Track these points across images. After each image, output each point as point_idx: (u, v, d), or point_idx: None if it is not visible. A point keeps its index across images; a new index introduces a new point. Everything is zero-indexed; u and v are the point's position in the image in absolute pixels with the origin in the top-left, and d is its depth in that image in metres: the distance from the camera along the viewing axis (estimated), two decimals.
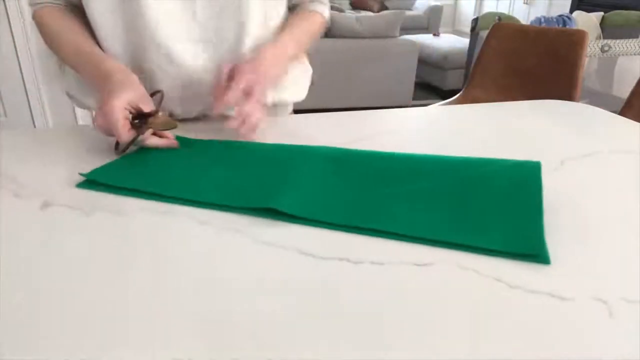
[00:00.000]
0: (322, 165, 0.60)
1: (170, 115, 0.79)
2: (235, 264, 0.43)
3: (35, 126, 2.51)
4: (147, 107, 0.64)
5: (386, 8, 5.57)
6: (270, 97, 0.83)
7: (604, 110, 0.89)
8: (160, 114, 0.64)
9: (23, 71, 2.44)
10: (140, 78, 0.67)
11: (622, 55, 2.76)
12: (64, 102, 0.83)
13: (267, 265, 0.43)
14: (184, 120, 0.81)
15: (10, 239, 0.46)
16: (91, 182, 0.56)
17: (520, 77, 2.02)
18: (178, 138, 0.67)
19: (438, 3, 6.07)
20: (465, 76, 3.41)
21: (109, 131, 0.62)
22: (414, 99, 3.61)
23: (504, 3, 5.99)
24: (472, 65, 2.20)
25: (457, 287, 0.40)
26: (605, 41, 2.70)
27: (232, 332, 0.35)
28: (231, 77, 0.68)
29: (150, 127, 0.63)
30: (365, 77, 3.39)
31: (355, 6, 5.89)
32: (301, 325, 0.35)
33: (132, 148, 0.64)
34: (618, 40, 2.71)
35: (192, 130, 0.73)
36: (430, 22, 5.93)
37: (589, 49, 2.56)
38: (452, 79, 3.82)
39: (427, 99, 3.85)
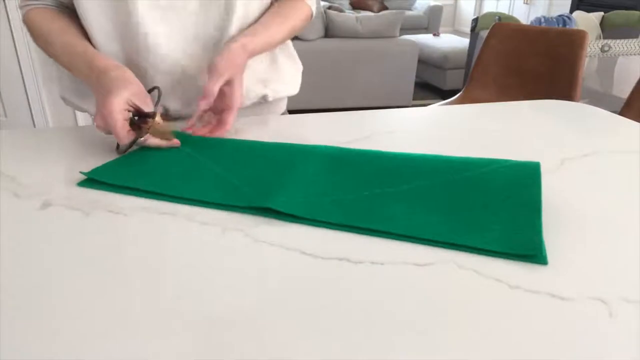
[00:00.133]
0: (322, 164, 0.61)
1: (167, 111, 0.80)
2: (236, 264, 0.43)
3: (35, 126, 2.51)
4: (146, 105, 0.63)
5: (386, 8, 5.58)
6: (261, 92, 0.84)
7: (604, 110, 0.89)
8: (157, 117, 0.63)
9: (23, 71, 2.44)
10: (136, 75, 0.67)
11: (622, 55, 2.76)
12: (63, 102, 0.83)
13: (267, 265, 0.43)
14: (179, 118, 0.81)
15: (10, 239, 0.46)
16: (92, 180, 0.56)
17: (520, 77, 2.02)
18: (176, 133, 0.67)
19: (438, 3, 6.07)
20: (465, 76, 3.41)
21: (108, 131, 0.62)
22: (414, 99, 3.62)
23: (504, 3, 5.99)
24: (472, 65, 2.20)
25: (457, 287, 0.40)
26: (605, 41, 2.70)
27: (232, 332, 0.35)
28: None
29: (148, 132, 0.63)
30: (365, 77, 3.39)
31: (355, 6, 5.89)
32: (301, 325, 0.35)
33: (134, 147, 0.64)
34: (618, 40, 2.71)
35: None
36: (430, 22, 5.93)
37: (589, 49, 2.56)
38: (452, 79, 3.82)
39: (427, 99, 3.85)
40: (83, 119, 2.52)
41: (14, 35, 2.35)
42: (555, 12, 3.69)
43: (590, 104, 0.94)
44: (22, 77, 2.45)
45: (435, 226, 0.47)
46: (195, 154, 0.64)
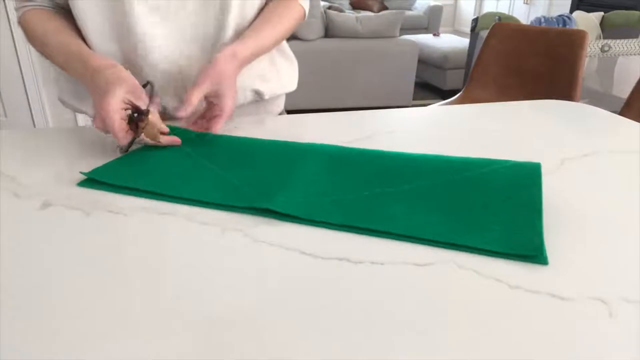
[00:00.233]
0: (322, 164, 0.60)
1: (165, 110, 0.80)
2: (235, 264, 0.42)
3: (35, 126, 2.51)
4: (141, 100, 0.64)
5: (386, 8, 5.58)
6: (258, 89, 0.84)
7: (604, 110, 0.89)
8: (151, 115, 0.63)
9: (23, 71, 2.44)
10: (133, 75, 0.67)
11: (622, 55, 2.76)
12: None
13: (267, 265, 0.43)
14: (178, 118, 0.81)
15: (10, 239, 0.46)
16: (92, 180, 0.56)
17: (520, 77, 2.02)
18: (175, 129, 0.67)
19: (438, 3, 6.07)
20: (465, 76, 3.41)
21: (108, 131, 0.62)
22: (414, 99, 3.62)
23: (504, 3, 5.99)
24: (472, 65, 2.20)
25: (457, 287, 0.40)
26: (605, 41, 2.70)
27: (232, 332, 0.35)
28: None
29: (143, 133, 0.63)
30: (365, 77, 3.40)
31: (355, 6, 5.89)
32: (301, 325, 0.35)
33: (137, 146, 0.65)
34: (618, 40, 2.71)
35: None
36: (430, 22, 5.93)
37: (589, 49, 2.55)
38: (452, 79, 3.82)
39: (427, 99, 3.85)
40: (83, 119, 2.52)
41: (14, 35, 2.35)
42: (555, 12, 3.69)
43: (590, 104, 0.94)
44: (22, 77, 2.45)
45: (436, 226, 0.47)
46: (195, 154, 0.64)
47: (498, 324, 0.36)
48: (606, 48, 2.69)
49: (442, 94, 3.82)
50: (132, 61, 0.75)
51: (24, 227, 0.48)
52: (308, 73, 3.13)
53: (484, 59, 2.11)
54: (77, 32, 0.74)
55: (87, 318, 0.36)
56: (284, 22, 0.80)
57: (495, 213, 0.50)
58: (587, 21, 3.12)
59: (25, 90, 2.47)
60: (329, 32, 3.35)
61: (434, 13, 5.94)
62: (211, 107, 0.71)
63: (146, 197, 0.54)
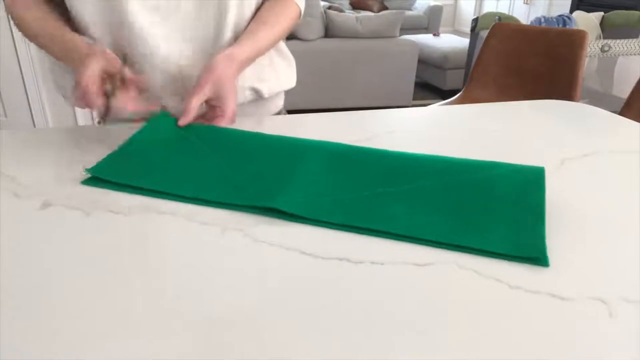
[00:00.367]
0: (323, 162, 0.60)
1: (164, 109, 0.80)
2: (235, 264, 0.43)
3: (35, 126, 2.51)
4: (117, 70, 0.66)
5: (386, 8, 5.57)
6: (256, 87, 0.84)
7: (604, 110, 0.89)
8: (124, 79, 0.66)
9: (23, 71, 2.44)
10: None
11: (622, 55, 2.76)
12: (63, 102, 0.84)
13: (267, 265, 0.43)
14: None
15: (10, 239, 0.46)
16: (95, 178, 0.56)
17: (520, 77, 2.02)
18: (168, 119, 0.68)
19: (438, 3, 6.06)
20: (465, 76, 3.41)
21: (83, 104, 0.64)
22: (414, 99, 3.61)
23: (504, 3, 5.99)
24: (472, 65, 2.20)
25: (457, 287, 0.40)
26: (605, 41, 2.70)
27: (232, 332, 0.35)
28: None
29: (115, 88, 0.65)
30: (365, 77, 3.39)
31: (355, 6, 5.89)
32: (301, 325, 0.35)
33: (129, 132, 0.65)
34: (618, 40, 2.70)
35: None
36: (430, 22, 5.93)
37: (589, 49, 2.55)
38: (452, 79, 3.82)
39: (427, 99, 3.85)
40: (83, 118, 2.52)
41: (14, 35, 2.35)
42: (555, 12, 3.69)
43: (590, 104, 0.94)
44: (22, 77, 2.45)
45: (436, 227, 0.47)
46: (200, 143, 0.64)
47: (498, 324, 0.36)
48: (606, 48, 2.69)
49: (442, 94, 3.82)
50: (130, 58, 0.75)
51: (24, 227, 0.48)
52: (308, 73, 3.14)
53: (484, 59, 2.11)
54: (66, 20, 0.74)
55: (87, 318, 0.36)
56: (281, 22, 0.80)
57: (497, 215, 0.49)
58: (587, 21, 3.12)
59: (25, 90, 2.47)
60: (329, 32, 3.35)
61: (434, 13, 5.94)
62: (212, 109, 0.71)
63: (147, 195, 0.54)
